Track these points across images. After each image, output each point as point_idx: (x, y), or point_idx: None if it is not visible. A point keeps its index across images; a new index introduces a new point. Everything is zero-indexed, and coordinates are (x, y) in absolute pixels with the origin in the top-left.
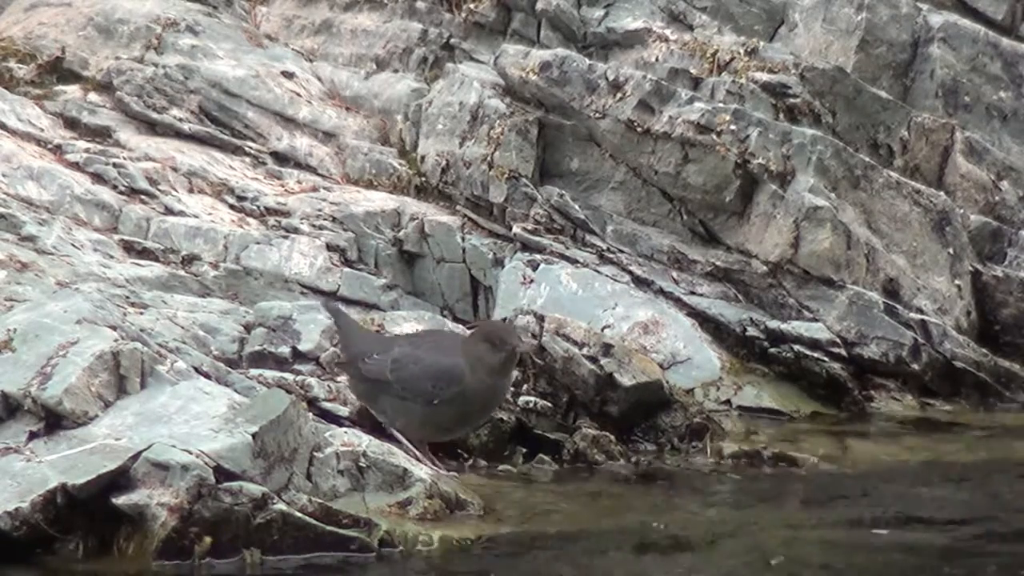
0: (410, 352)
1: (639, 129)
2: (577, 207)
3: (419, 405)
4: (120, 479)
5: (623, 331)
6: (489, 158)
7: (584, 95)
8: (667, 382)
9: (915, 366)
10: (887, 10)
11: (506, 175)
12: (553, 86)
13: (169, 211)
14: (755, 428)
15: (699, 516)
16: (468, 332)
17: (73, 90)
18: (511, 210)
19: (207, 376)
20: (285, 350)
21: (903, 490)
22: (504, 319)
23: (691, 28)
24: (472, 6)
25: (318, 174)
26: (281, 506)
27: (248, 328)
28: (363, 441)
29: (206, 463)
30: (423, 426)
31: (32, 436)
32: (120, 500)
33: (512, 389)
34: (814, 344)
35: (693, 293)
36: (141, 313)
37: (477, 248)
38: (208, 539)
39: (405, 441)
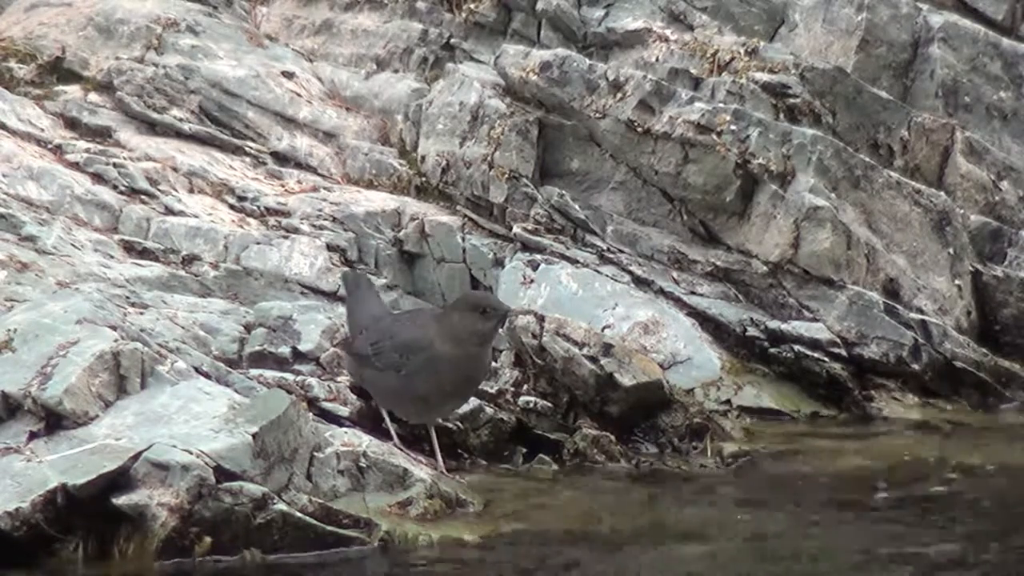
0: (387, 326)
1: (639, 129)
2: (577, 207)
3: (392, 376)
4: (120, 479)
5: (623, 331)
6: (489, 158)
7: (584, 95)
8: (667, 382)
9: (915, 366)
10: (887, 10)
11: (506, 175)
12: (553, 86)
13: (169, 211)
14: (755, 428)
15: (699, 517)
16: (446, 305)
17: (73, 90)
18: (511, 210)
19: (207, 376)
20: (285, 350)
21: (905, 489)
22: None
23: (691, 28)
24: (472, 6)
25: (318, 174)
26: (281, 506)
27: (248, 328)
28: (363, 441)
29: (206, 463)
30: (401, 399)
31: (32, 436)
32: (120, 500)
33: (512, 389)
34: (814, 344)
35: (693, 293)
36: (141, 313)
37: (477, 248)
38: (208, 539)
39: (388, 421)
